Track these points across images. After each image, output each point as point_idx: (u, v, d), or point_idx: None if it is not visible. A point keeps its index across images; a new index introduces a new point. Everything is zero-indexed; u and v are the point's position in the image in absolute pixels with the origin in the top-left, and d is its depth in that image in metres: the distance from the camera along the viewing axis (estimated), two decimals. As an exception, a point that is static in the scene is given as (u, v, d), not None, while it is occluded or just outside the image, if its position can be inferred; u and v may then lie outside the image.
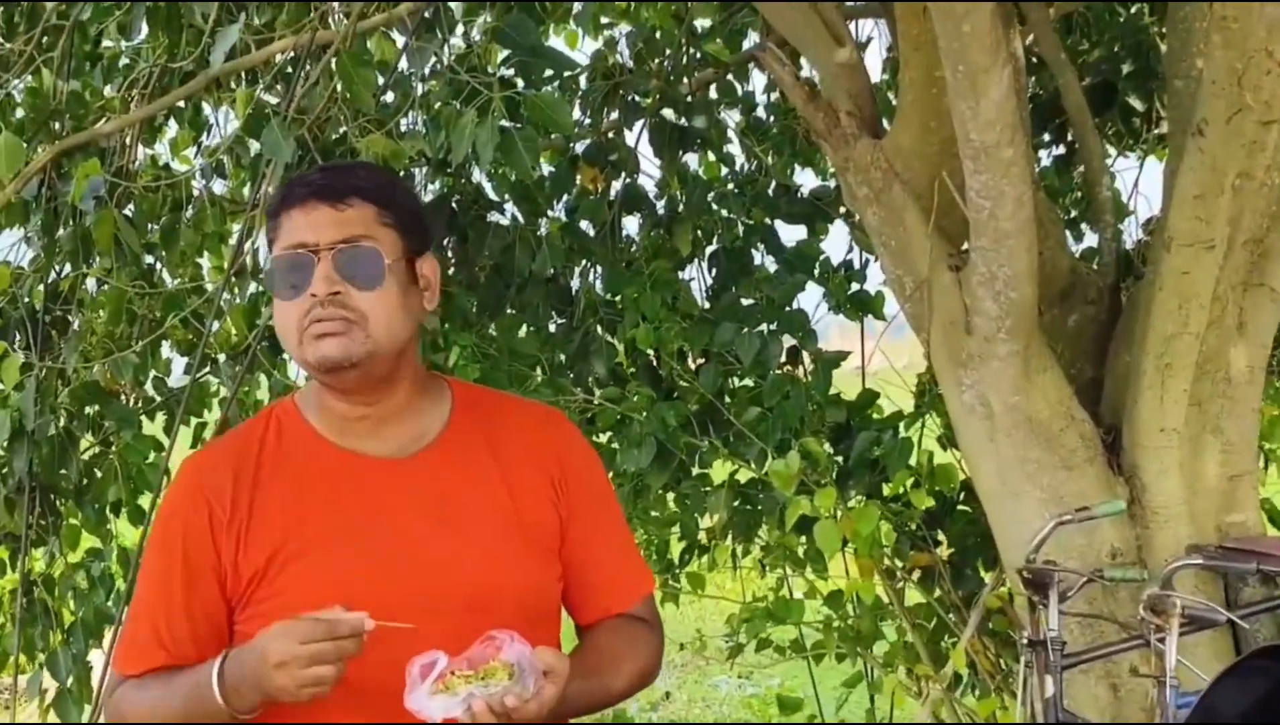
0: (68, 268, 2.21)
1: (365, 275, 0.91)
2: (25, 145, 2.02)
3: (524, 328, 2.08)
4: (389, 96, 2.07)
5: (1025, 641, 1.78)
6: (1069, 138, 2.47)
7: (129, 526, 2.39)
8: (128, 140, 2.23)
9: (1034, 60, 2.27)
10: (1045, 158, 2.60)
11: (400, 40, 2.06)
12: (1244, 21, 1.50)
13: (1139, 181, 2.55)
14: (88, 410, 2.26)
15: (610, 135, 2.41)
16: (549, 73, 1.95)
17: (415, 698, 0.75)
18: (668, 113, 2.37)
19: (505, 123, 1.65)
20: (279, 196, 1.04)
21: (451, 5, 2.06)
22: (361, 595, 0.83)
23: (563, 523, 1.00)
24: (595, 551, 1.02)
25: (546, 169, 2.27)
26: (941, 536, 2.17)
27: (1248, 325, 1.85)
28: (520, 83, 1.76)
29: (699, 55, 2.57)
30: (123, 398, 2.34)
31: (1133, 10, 2.63)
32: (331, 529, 0.93)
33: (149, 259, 2.25)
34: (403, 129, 2.02)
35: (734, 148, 2.67)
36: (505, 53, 1.90)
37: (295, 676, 0.76)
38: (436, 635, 0.81)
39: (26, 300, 2.24)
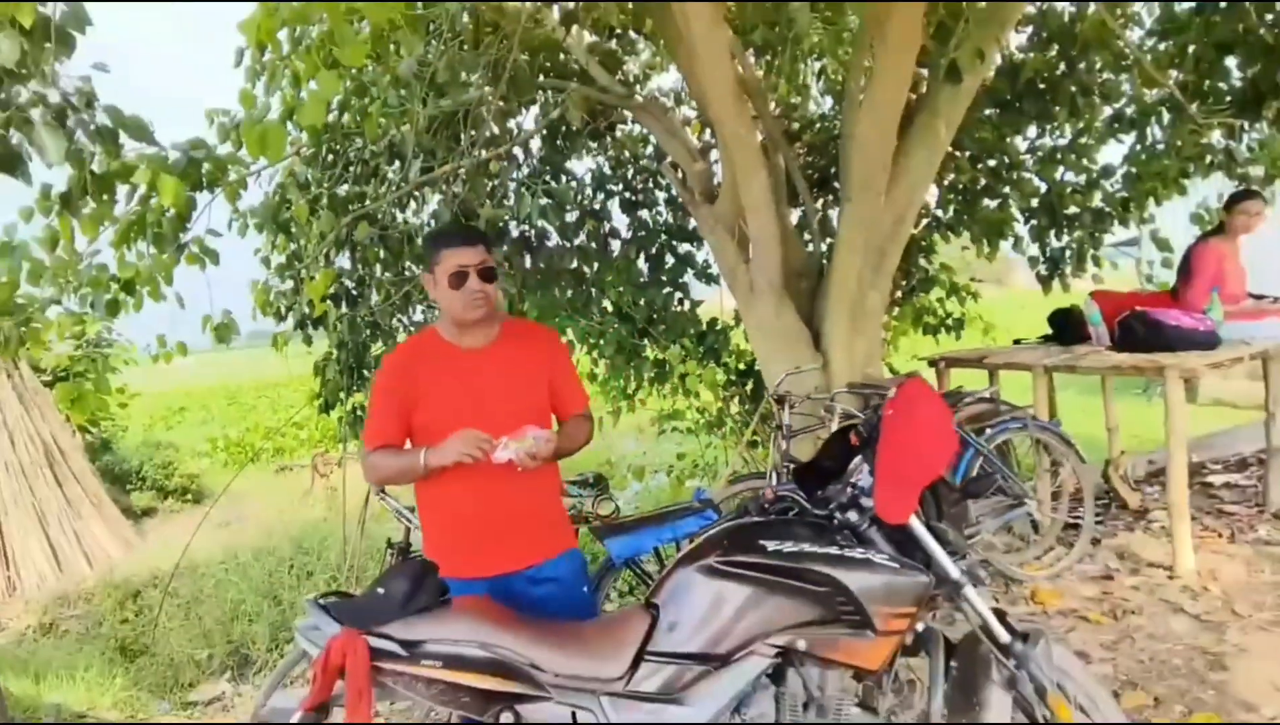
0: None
1: (487, 277, 2.06)
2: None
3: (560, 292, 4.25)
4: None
5: (776, 425, 3.98)
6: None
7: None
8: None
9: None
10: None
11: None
12: (865, 149, 3.57)
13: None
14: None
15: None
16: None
17: (494, 455, 1.96)
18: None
19: (542, 201, 3.68)
20: (443, 239, 2.12)
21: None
22: (470, 410, 2.01)
23: (551, 379, 2.19)
24: (564, 390, 2.22)
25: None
26: (747, 383, 4.49)
27: (876, 286, 4.04)
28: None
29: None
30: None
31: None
32: (454, 381, 2.07)
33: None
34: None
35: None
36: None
37: (459, 452, 1.95)
38: (502, 429, 1.96)
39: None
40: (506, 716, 1.69)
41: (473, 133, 4.31)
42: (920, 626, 1.90)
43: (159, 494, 9.28)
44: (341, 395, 4.89)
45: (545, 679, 1.70)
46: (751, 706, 1.74)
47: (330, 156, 4.62)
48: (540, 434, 1.98)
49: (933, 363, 4.40)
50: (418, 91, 3.33)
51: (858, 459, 1.96)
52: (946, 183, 5.15)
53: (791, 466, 3.64)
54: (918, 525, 1.88)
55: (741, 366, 4.48)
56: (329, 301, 4.42)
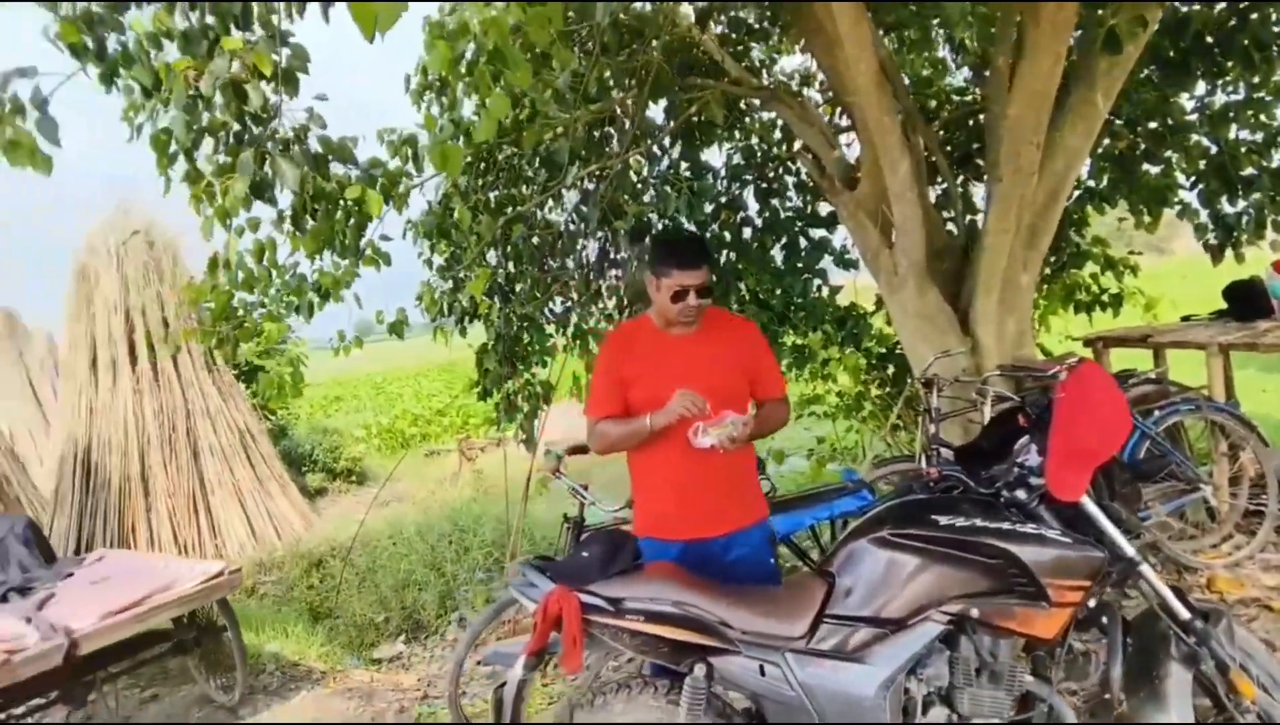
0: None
1: (705, 294, 2.30)
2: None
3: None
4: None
5: (924, 409, 4.01)
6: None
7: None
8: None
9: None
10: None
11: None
12: (1017, 129, 3.51)
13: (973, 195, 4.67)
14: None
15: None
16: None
17: (695, 441, 2.22)
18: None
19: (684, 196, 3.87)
20: (674, 257, 2.30)
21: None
22: (670, 390, 2.22)
23: (749, 365, 2.38)
24: (762, 375, 2.40)
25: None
26: (889, 367, 4.51)
27: (1028, 265, 3.96)
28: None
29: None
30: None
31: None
32: (662, 365, 2.31)
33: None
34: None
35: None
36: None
37: (680, 408, 2.18)
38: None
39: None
40: (700, 667, 1.91)
41: (610, 131, 4.57)
42: (1093, 602, 1.95)
43: (328, 476, 10.30)
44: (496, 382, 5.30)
45: (734, 635, 1.90)
46: (927, 668, 1.87)
47: (482, 165, 5.01)
48: (738, 419, 2.16)
49: (1089, 342, 4.26)
50: (573, 102, 3.59)
51: (1024, 439, 2.03)
52: (1100, 150, 4.92)
53: (940, 449, 3.67)
54: (1090, 503, 1.94)
55: (881, 351, 4.52)
56: (486, 297, 4.81)
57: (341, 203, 3.58)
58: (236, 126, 2.79)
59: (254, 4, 2.73)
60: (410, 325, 4.83)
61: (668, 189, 3.91)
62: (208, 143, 2.89)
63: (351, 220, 3.95)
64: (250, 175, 2.71)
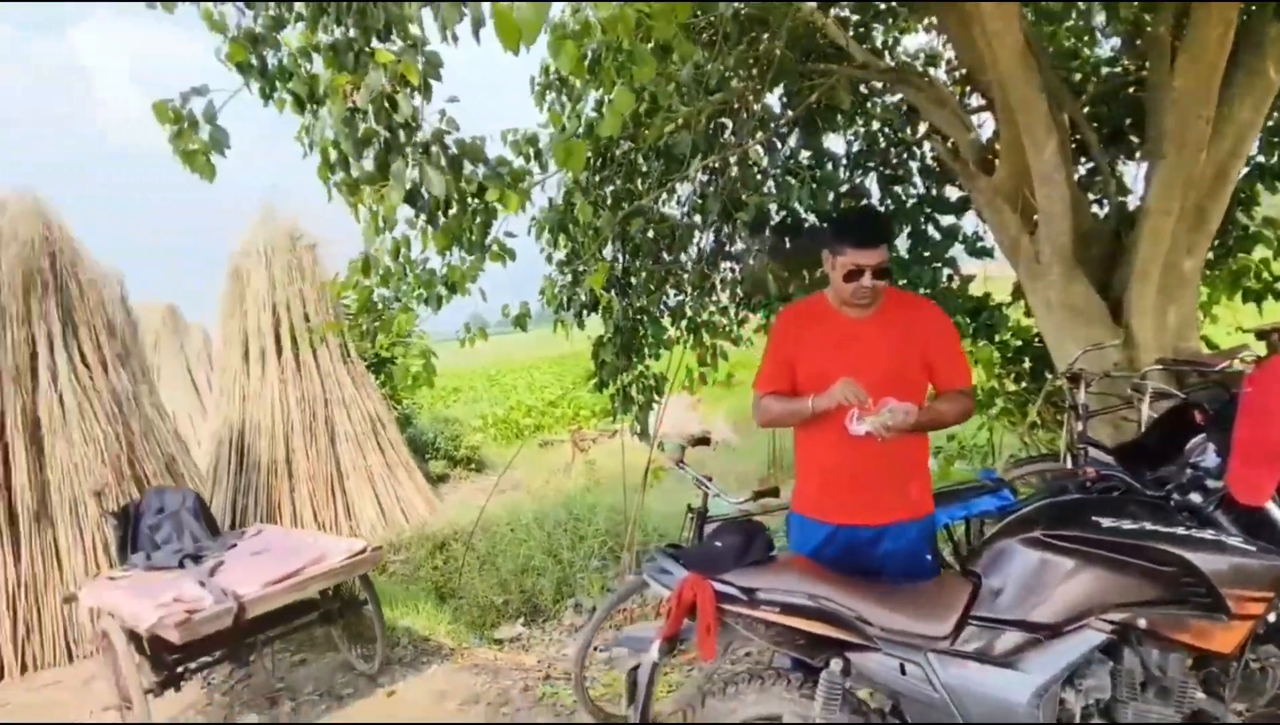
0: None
1: (882, 276, 2.20)
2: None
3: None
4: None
5: (1070, 406, 3.76)
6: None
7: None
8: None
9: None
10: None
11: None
12: (1182, 103, 3.23)
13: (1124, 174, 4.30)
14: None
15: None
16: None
17: (850, 428, 2.25)
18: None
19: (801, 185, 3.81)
20: (851, 235, 2.21)
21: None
22: (845, 373, 2.13)
23: (928, 352, 2.23)
24: (942, 364, 2.26)
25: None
26: (1025, 361, 4.24)
27: (1192, 250, 3.64)
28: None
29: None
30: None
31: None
32: (833, 344, 2.25)
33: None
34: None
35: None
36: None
37: (840, 396, 2.14)
38: (873, 393, 2.10)
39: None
40: (836, 662, 1.89)
41: (724, 122, 4.54)
42: (1274, 615, 1.79)
43: (449, 463, 10.81)
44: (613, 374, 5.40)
45: (872, 632, 1.87)
46: (1086, 679, 1.77)
47: (600, 161, 5.11)
48: (898, 407, 2.09)
49: (1262, 335, 3.87)
50: (696, 95, 3.60)
51: (1200, 438, 1.88)
52: (1271, 123, 4.45)
53: (1089, 448, 3.45)
54: (1276, 508, 1.77)
55: (1018, 343, 4.27)
56: (605, 291, 4.91)
57: (470, 200, 3.76)
58: (386, 135, 2.97)
59: (403, 5, 2.88)
60: (531, 317, 5.00)
61: (789, 179, 3.84)
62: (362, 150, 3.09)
63: (478, 218, 4.15)
64: (404, 183, 2.88)
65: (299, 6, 2.99)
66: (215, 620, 3.47)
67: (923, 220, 4.61)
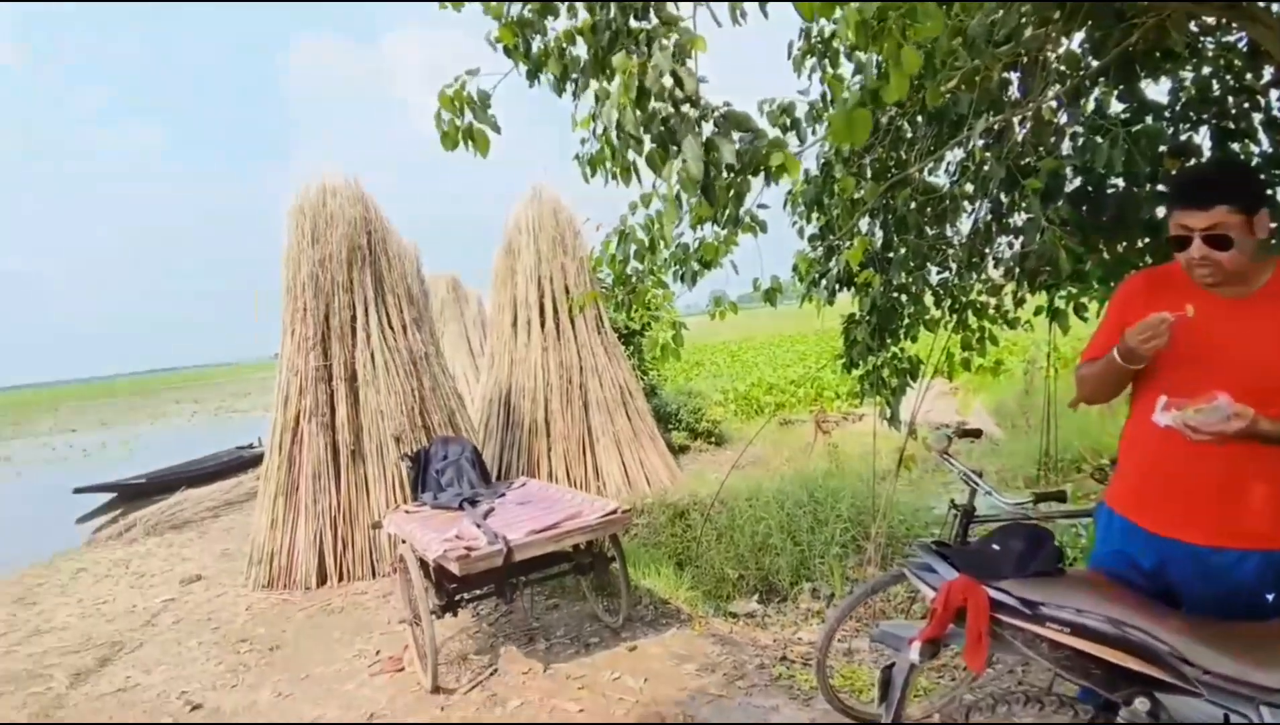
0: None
1: (1217, 245, 1.82)
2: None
3: None
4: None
5: None
6: None
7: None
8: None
9: None
10: None
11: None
12: None
13: None
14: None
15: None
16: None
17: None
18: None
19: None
20: (1176, 193, 1.92)
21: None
22: (1188, 357, 1.83)
23: None
24: None
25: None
26: None
27: None
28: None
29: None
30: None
31: None
32: (1186, 325, 1.85)
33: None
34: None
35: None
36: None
37: (1136, 338, 1.84)
38: (1221, 384, 1.74)
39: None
40: (1143, 702, 1.64)
41: (1008, 78, 4.04)
42: None
43: (690, 435, 11.16)
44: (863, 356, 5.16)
45: (1192, 673, 1.59)
46: None
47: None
48: (1221, 406, 1.74)
49: None
50: (985, 49, 3.26)
51: None
52: None
53: None
54: None
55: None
56: (863, 267, 4.68)
57: (725, 172, 3.78)
58: (672, 111, 3.06)
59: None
60: (782, 292, 4.94)
61: (1097, 138, 3.32)
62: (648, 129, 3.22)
63: (732, 191, 4.16)
64: (699, 157, 2.97)
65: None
66: (488, 559, 3.91)
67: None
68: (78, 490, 12.66)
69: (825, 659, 3.22)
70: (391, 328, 7.16)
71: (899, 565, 2.13)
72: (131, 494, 12.64)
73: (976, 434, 3.37)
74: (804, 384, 14.94)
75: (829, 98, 4.83)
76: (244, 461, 14.13)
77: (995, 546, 1.87)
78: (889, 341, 5.20)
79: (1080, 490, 6.30)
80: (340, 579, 6.56)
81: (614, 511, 4.35)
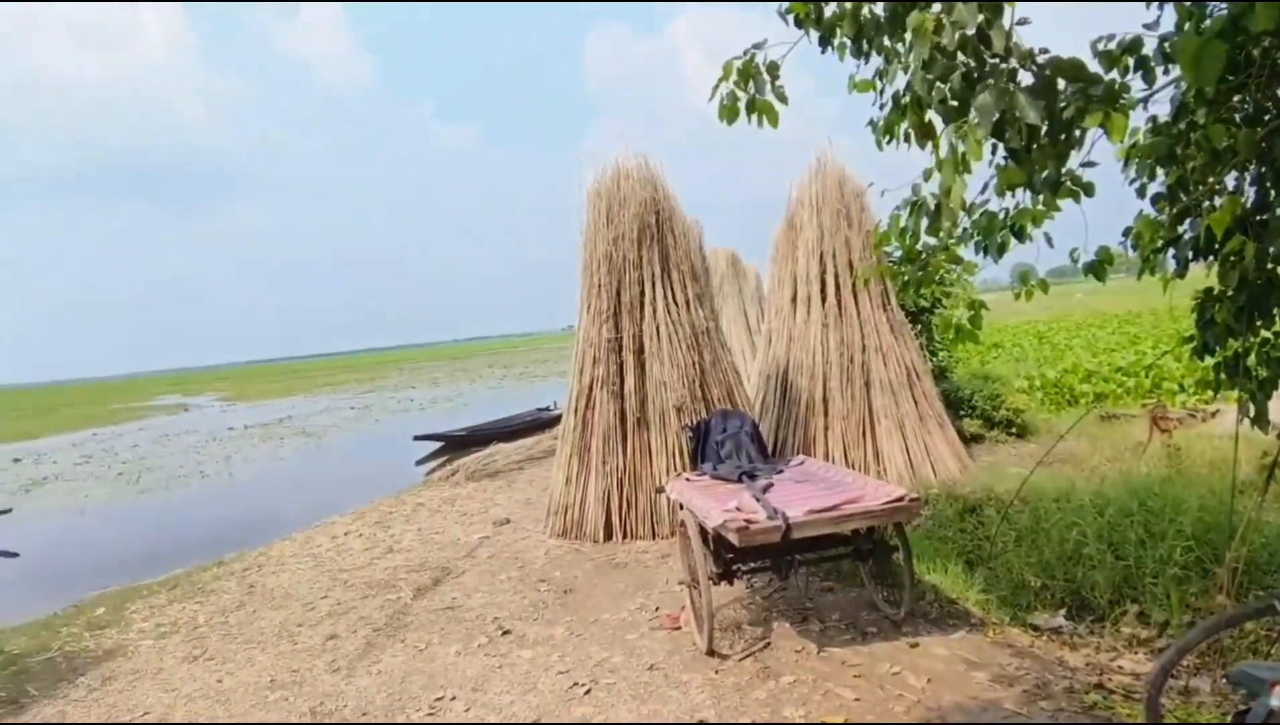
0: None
1: None
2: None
3: None
4: None
5: None
6: None
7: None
8: None
9: None
10: None
11: None
12: None
13: None
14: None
15: None
16: None
17: None
18: None
19: None
20: None
21: None
22: None
23: None
24: None
25: None
26: None
27: None
28: None
29: None
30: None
31: None
32: None
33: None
34: None
35: None
36: None
37: None
38: None
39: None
40: None
41: None
42: None
43: (985, 423, 10.25)
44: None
45: None
46: None
47: (1227, 66, 3.99)
48: None
49: None
50: None
51: None
52: None
53: None
54: None
55: None
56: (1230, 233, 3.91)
57: (1043, 129, 3.36)
58: (973, 66, 2.82)
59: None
60: (1112, 265, 4.31)
61: None
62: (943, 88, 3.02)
63: (1054, 149, 3.69)
64: (991, 115, 2.72)
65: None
66: (766, 533, 3.99)
67: None
68: (417, 437, 15.38)
69: (1158, 696, 2.79)
70: (676, 303, 7.53)
71: (1270, 595, 1.77)
72: (456, 443, 15.01)
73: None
74: (1136, 372, 12.88)
75: (1184, 27, 4.07)
76: (542, 422, 16.02)
77: None
78: (1260, 323, 4.29)
79: None
80: (625, 537, 7.13)
81: (900, 498, 4.17)
